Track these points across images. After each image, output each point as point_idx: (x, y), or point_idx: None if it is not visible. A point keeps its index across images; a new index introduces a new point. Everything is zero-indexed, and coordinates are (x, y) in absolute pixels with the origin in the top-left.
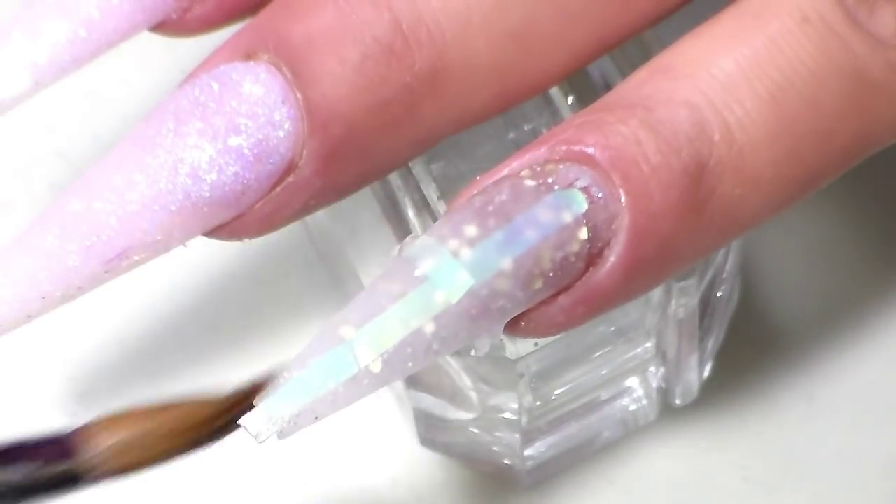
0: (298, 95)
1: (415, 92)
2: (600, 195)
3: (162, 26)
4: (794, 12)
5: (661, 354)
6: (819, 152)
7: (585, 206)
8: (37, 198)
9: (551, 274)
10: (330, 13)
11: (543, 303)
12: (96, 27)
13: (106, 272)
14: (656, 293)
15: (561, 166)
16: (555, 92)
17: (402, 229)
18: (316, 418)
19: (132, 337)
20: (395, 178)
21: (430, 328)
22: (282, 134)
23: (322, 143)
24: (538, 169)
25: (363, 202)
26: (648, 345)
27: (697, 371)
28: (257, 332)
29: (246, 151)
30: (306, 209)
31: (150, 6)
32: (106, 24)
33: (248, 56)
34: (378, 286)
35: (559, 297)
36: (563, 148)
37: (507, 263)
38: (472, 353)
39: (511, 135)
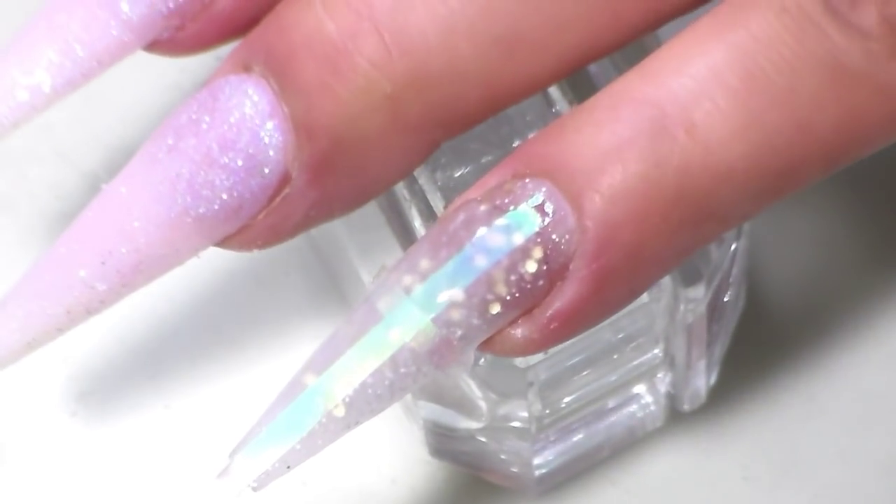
0: (285, 108)
1: (398, 100)
2: (555, 210)
3: (155, 46)
4: (773, 3)
5: (669, 360)
6: (797, 144)
7: (537, 227)
8: (37, 198)
9: (508, 298)
10: (312, 24)
11: (515, 323)
12: (86, 49)
13: (123, 286)
14: (664, 299)
15: (519, 183)
16: (559, 100)
17: (407, 239)
18: (288, 467)
19: (132, 337)
20: (400, 188)
21: (389, 367)
22: (271, 147)
23: (310, 154)
24: (495, 190)
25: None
26: (657, 351)
27: (706, 376)
28: (257, 332)
29: (239, 163)
30: (308, 220)
31: (139, 27)
32: (95, 47)
33: (246, 69)
34: (339, 330)
35: (532, 315)
36: (524, 162)
37: (457, 294)
38: (481, 361)
39: (516, 143)
